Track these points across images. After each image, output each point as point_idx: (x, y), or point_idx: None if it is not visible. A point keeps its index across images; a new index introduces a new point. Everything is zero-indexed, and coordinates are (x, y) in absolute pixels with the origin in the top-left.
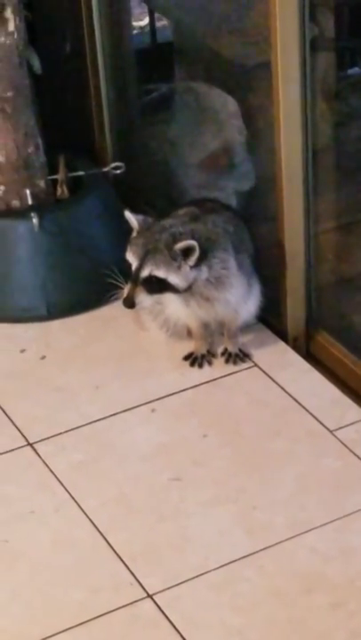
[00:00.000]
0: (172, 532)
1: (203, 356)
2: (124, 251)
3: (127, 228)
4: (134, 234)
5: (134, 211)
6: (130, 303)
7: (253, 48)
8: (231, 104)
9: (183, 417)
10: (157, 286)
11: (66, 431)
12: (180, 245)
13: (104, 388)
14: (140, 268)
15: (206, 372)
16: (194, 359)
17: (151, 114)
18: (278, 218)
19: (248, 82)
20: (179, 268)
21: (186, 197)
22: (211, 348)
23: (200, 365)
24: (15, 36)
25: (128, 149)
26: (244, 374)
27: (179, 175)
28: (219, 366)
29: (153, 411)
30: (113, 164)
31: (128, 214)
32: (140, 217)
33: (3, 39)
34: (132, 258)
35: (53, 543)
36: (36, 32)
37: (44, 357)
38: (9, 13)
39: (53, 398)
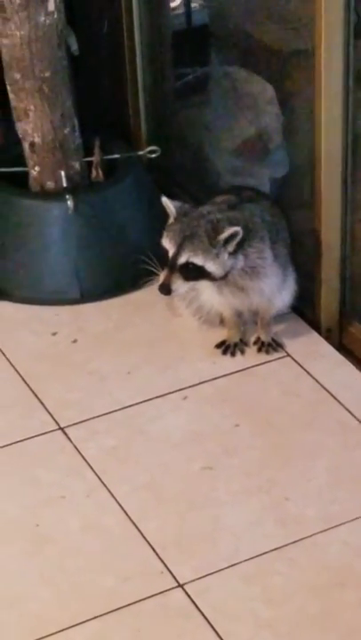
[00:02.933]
0: (204, 521)
1: (235, 345)
2: (158, 236)
3: (162, 212)
4: (171, 220)
5: (168, 196)
6: (166, 290)
7: (292, 34)
8: (268, 90)
9: (215, 405)
10: (194, 273)
11: (97, 416)
12: (224, 235)
13: (136, 374)
14: (177, 254)
15: (239, 360)
16: (226, 347)
17: (187, 98)
18: (315, 207)
19: (285, 68)
20: (217, 255)
21: (220, 183)
22: (243, 337)
23: (232, 354)
24: (55, 15)
25: (163, 133)
26: (276, 364)
27: (213, 160)
28: (251, 355)
29: (185, 398)
30: (149, 148)
31: (165, 200)
32: (178, 203)
33: (42, 19)
34: (168, 244)
35: (83, 529)
36: (74, 12)
37: (75, 341)
38: None
39: (85, 382)
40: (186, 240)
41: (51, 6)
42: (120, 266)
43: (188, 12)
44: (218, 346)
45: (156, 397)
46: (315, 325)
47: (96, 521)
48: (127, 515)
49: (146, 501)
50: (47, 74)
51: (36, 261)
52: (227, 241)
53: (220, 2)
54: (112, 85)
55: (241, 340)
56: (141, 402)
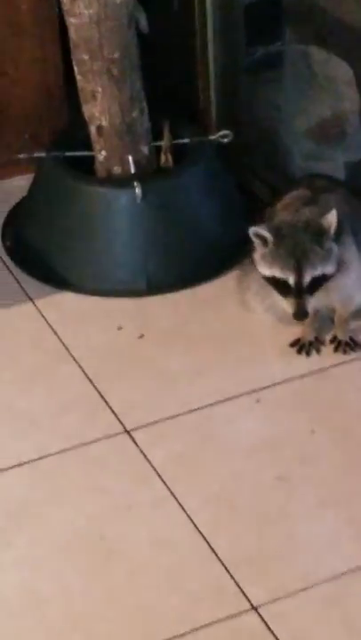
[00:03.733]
0: (278, 538)
1: (310, 344)
2: (231, 225)
3: (234, 200)
4: (270, 246)
5: (241, 182)
6: (303, 315)
7: None
8: (346, 71)
9: (289, 409)
10: (318, 284)
11: (165, 419)
12: (325, 228)
13: (205, 374)
14: (300, 278)
15: (314, 360)
16: (301, 346)
17: (259, 77)
18: None
19: None
20: (329, 253)
21: (293, 167)
22: (319, 335)
23: (308, 353)
24: None
25: (233, 114)
26: (354, 365)
27: (286, 143)
28: (327, 355)
29: (257, 401)
30: (221, 133)
31: (255, 230)
32: (266, 226)
33: None
34: (282, 273)
35: (151, 543)
36: None
37: (142, 336)
38: None
39: (152, 382)
40: (301, 261)
41: None
42: (189, 256)
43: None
44: (292, 344)
45: (227, 400)
46: None
47: (164, 535)
48: (197, 528)
49: (217, 514)
50: (116, 55)
51: (102, 251)
52: (328, 232)
53: None
54: (182, 64)
55: (317, 339)
56: (211, 404)
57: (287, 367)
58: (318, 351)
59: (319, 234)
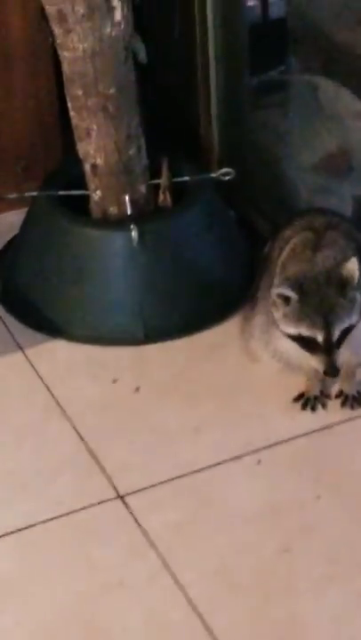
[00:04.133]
0: (281, 617)
1: (316, 398)
2: (232, 269)
3: (235, 240)
4: (293, 304)
5: (242, 218)
6: (335, 371)
7: None
8: (354, 103)
9: (293, 471)
10: (344, 336)
11: (161, 482)
12: (349, 279)
13: (204, 431)
14: (329, 335)
15: (320, 416)
16: (306, 401)
17: (263, 109)
18: None
19: None
20: (352, 302)
21: (298, 201)
22: (325, 389)
23: (313, 408)
24: (122, 26)
25: (235, 146)
26: None
27: (291, 176)
28: (334, 410)
29: (259, 462)
30: (222, 170)
31: (280, 292)
32: (289, 283)
33: (108, 30)
34: (309, 330)
35: (145, 623)
36: (141, 17)
37: (138, 389)
38: (116, 1)
39: (147, 440)
40: (328, 316)
41: (117, 16)
42: (189, 302)
43: (266, 13)
44: (296, 399)
45: (227, 460)
46: None
47: (159, 614)
48: (194, 607)
49: (215, 591)
50: (112, 91)
51: (96, 297)
52: (351, 282)
53: (306, 9)
54: (182, 95)
55: (322, 393)
56: (210, 466)
57: (291, 424)
58: (324, 406)
59: (342, 285)
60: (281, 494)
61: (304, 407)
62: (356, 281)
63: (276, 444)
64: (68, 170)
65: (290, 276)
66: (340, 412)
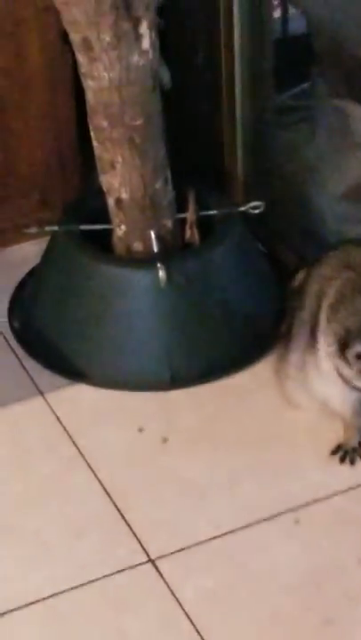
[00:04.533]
0: None
1: (354, 450)
2: (264, 307)
3: (264, 275)
4: None
5: (270, 252)
6: None
7: None
8: None
9: (334, 532)
10: None
11: (193, 545)
12: None
13: (237, 487)
14: None
15: (357, 472)
16: (344, 453)
17: (289, 135)
18: None
19: None
20: None
21: (325, 231)
22: None
23: (352, 461)
24: (150, 55)
25: (261, 175)
26: None
27: (318, 206)
28: None
29: (297, 522)
30: (251, 204)
31: (358, 351)
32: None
33: (136, 59)
34: None
35: None
36: (166, 42)
37: (165, 440)
38: (144, 28)
39: (178, 497)
40: None
41: (145, 44)
42: (218, 344)
43: (292, 35)
44: (334, 452)
45: (263, 520)
46: None
47: None
48: None
49: None
50: (139, 122)
51: (121, 339)
52: None
53: (329, 27)
54: (205, 122)
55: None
56: (245, 526)
57: (329, 479)
58: None
59: None
60: (321, 558)
61: (342, 460)
62: None
63: (315, 501)
64: (89, 202)
65: (355, 328)
66: None
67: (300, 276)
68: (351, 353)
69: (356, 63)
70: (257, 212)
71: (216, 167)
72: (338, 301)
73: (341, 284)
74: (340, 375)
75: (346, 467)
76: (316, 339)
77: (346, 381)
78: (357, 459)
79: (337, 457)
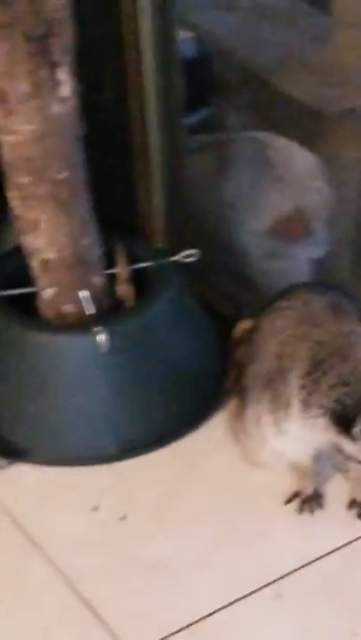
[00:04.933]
0: None
1: (312, 498)
2: (209, 360)
3: (203, 327)
4: None
5: (203, 303)
6: None
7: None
8: (309, 160)
9: (321, 604)
10: None
11: (172, 633)
12: None
13: (209, 562)
14: None
15: (337, 530)
16: (302, 502)
17: (206, 172)
18: None
19: (327, 132)
20: None
21: (250, 269)
22: (319, 487)
23: (311, 511)
24: (72, 101)
25: (178, 218)
26: None
27: (242, 244)
28: (352, 523)
29: (279, 596)
30: (185, 252)
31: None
32: None
33: (56, 108)
34: None
35: None
36: None
37: (124, 518)
38: (63, 73)
39: (147, 581)
40: None
41: (65, 91)
42: (165, 406)
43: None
44: (289, 501)
45: (242, 598)
46: None
47: None
48: None
49: None
50: (63, 175)
51: (61, 412)
52: None
53: (241, 55)
54: (118, 166)
55: (316, 492)
56: (225, 606)
57: (306, 542)
58: (322, 506)
59: None
60: (313, 635)
61: (301, 511)
62: None
63: (295, 570)
64: (5, 260)
65: (352, 400)
66: (357, 524)
67: (243, 325)
68: (357, 430)
69: (273, 95)
70: (190, 260)
71: (131, 213)
72: (314, 369)
73: (311, 348)
74: (338, 450)
75: (322, 527)
76: (286, 402)
77: (347, 456)
78: (316, 508)
79: (293, 506)
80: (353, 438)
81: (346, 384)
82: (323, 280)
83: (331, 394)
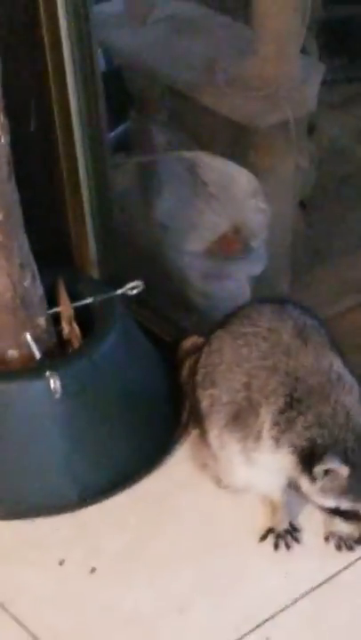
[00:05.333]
0: None
1: (287, 533)
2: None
3: (153, 358)
4: (340, 477)
5: (147, 332)
6: None
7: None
8: (243, 177)
9: None
10: None
11: None
12: None
13: (189, 611)
14: None
15: (317, 566)
16: (276, 538)
17: (134, 195)
18: None
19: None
20: None
21: (190, 291)
22: (293, 520)
23: (287, 546)
24: (2, 139)
25: (113, 244)
26: None
27: (180, 267)
28: (330, 556)
29: None
30: (130, 285)
31: (330, 468)
32: (335, 455)
33: None
34: (354, 504)
35: None
36: None
37: (93, 570)
38: None
39: (125, 635)
40: None
41: None
42: (124, 447)
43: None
44: (264, 537)
45: None
46: None
47: None
48: None
49: None
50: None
51: (16, 462)
52: None
53: (158, 70)
54: (45, 194)
55: (291, 525)
56: None
57: (288, 580)
58: (298, 541)
59: None
60: None
61: (276, 547)
62: None
63: (281, 610)
64: None
65: (323, 441)
66: (337, 557)
67: (187, 343)
68: (319, 469)
69: (200, 111)
70: (136, 291)
71: (62, 245)
72: (290, 407)
73: (285, 383)
74: (295, 488)
75: (300, 564)
76: (256, 435)
77: (302, 496)
78: (293, 542)
79: (267, 542)
80: (313, 478)
81: (323, 426)
82: (268, 296)
83: (304, 433)
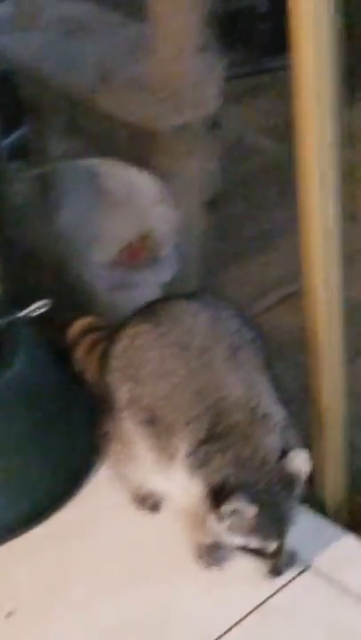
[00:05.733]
0: None
1: (214, 547)
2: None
3: (65, 381)
4: (247, 517)
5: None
6: (280, 572)
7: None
8: (147, 182)
9: None
10: None
11: None
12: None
13: None
14: (281, 544)
15: (246, 592)
16: (205, 554)
17: (36, 206)
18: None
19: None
20: (298, 498)
21: (97, 303)
22: None
23: (218, 563)
24: None
25: (14, 258)
26: (298, 583)
27: (86, 278)
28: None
29: None
30: (36, 305)
31: (236, 507)
32: (242, 493)
33: None
34: (261, 542)
35: None
36: None
37: (11, 614)
38: None
39: None
40: (283, 526)
41: None
42: (37, 477)
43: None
44: (198, 556)
45: None
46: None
47: None
48: None
49: None
50: None
51: None
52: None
53: (47, 75)
54: None
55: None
56: None
57: (219, 610)
58: (226, 557)
59: (290, 483)
60: None
61: (207, 564)
62: (304, 477)
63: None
64: None
65: (235, 480)
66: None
67: (77, 326)
68: (226, 509)
69: (83, 111)
70: (41, 312)
71: None
72: (210, 440)
73: (208, 414)
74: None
75: (235, 589)
76: (170, 455)
77: (210, 534)
78: (222, 559)
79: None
80: (220, 516)
81: (238, 466)
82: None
83: (220, 471)
